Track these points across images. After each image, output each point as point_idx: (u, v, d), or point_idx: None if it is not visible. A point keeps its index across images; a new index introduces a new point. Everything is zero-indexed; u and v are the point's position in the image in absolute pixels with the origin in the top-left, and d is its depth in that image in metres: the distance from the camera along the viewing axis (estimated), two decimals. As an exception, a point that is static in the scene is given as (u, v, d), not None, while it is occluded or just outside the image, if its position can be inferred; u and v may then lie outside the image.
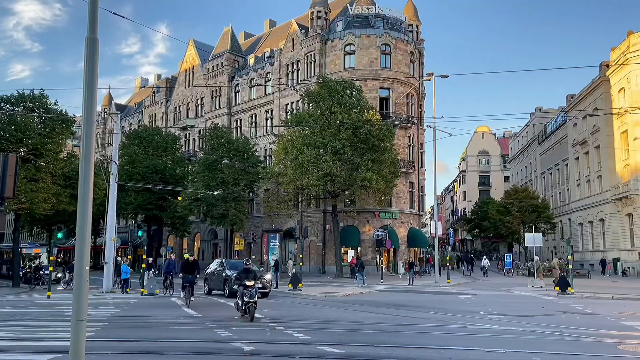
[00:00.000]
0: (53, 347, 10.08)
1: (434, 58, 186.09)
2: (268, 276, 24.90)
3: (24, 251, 41.41)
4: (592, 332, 12.62)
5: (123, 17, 13.41)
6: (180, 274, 20.35)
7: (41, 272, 33.80)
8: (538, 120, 71.17)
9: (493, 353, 9.80)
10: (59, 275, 31.81)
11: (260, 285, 16.78)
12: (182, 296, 19.86)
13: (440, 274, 33.36)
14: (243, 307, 14.38)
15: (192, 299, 18.62)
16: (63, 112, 35.15)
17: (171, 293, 24.00)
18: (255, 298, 14.13)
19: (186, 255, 22.06)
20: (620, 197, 44.77)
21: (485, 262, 44.40)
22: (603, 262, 44.79)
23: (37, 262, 37.65)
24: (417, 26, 50.79)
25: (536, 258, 36.83)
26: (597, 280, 36.66)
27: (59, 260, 55.25)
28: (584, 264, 50.02)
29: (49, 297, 23.51)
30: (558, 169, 63.34)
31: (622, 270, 43.40)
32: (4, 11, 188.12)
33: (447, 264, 37.12)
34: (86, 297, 6.59)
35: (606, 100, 47.58)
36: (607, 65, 47.56)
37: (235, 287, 16.54)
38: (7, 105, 33.23)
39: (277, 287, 27.46)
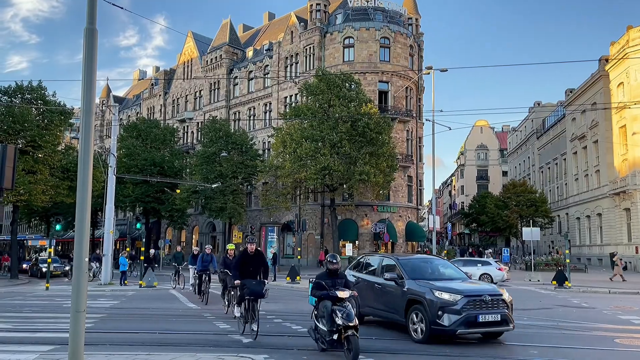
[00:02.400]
0: (52, 339, 10.10)
1: (433, 51, 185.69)
2: None
3: (30, 243, 41.22)
4: (589, 326, 12.69)
5: (122, 8, 13.34)
6: (226, 278, 14.35)
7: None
8: (537, 115, 71.16)
9: (490, 346, 9.85)
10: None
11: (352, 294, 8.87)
12: (234, 314, 12.08)
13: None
14: (336, 336, 8.27)
15: (254, 327, 10.11)
16: (61, 104, 35.06)
17: (206, 300, 17.33)
18: (355, 320, 8.16)
19: (231, 246, 15.78)
20: (618, 191, 44.87)
21: (488, 257, 39.70)
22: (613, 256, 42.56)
23: (43, 254, 37.51)
24: (416, 19, 50.65)
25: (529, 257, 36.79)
26: (600, 275, 36.75)
27: (62, 252, 55.32)
28: (581, 258, 50.19)
29: (47, 288, 23.55)
30: (556, 164, 63.42)
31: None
32: (1, 2, 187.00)
33: (445, 258, 37.13)
34: (85, 288, 6.60)
35: (605, 95, 47.57)
36: (607, 60, 47.49)
37: (314, 300, 9.18)
38: (5, 97, 33.13)
39: (275, 280, 27.51)
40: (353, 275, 12.09)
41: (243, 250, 11.20)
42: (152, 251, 29.27)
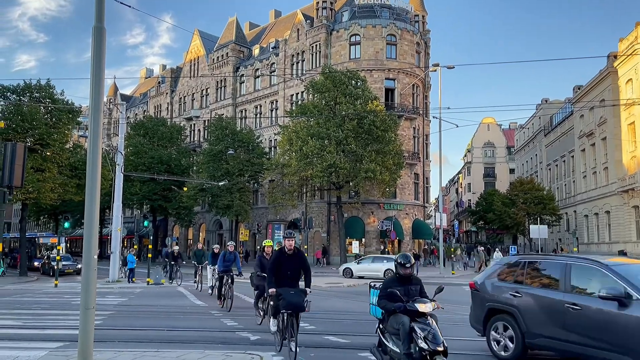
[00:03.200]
0: (61, 335, 10.17)
1: (439, 48, 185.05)
2: None
3: (41, 240, 41.35)
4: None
5: (130, 7, 13.39)
6: (261, 283, 11.32)
7: (62, 262, 32.90)
8: (544, 112, 70.73)
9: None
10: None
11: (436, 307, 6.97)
12: (270, 327, 9.67)
13: (444, 265, 33.37)
14: None
15: (292, 347, 8.06)
16: (69, 102, 35.26)
17: (229, 306, 14.48)
18: (443, 344, 6.33)
19: (268, 242, 12.62)
20: (626, 189, 44.55)
21: (498, 254, 37.45)
22: (623, 255, 42.54)
23: (54, 251, 37.26)
24: (423, 16, 50.45)
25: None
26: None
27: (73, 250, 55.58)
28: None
29: (56, 285, 23.72)
30: (564, 161, 63.04)
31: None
32: (9, 2, 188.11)
33: (452, 256, 36.98)
34: (94, 285, 6.64)
35: (614, 92, 47.19)
36: (615, 56, 47.11)
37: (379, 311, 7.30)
38: (14, 96, 33.36)
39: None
40: (511, 290, 8.35)
41: (279, 249, 8.99)
42: (175, 248, 27.09)
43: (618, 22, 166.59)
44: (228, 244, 16.55)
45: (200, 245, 24.34)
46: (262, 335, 10.39)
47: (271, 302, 9.39)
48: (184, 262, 25.80)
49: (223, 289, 15.13)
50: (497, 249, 42.32)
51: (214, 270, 17.79)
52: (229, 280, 14.90)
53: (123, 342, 9.54)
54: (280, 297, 8.26)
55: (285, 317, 8.23)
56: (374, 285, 7.59)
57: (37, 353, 8.15)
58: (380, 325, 7.24)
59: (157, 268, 28.57)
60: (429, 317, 6.55)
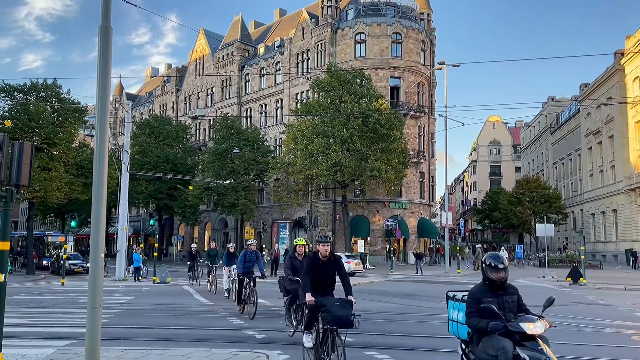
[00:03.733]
0: (68, 334, 10.23)
1: (445, 46, 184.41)
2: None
3: (50, 239, 41.44)
4: (605, 323, 12.55)
5: (135, 6, 13.42)
6: (294, 288, 10.04)
7: (71, 261, 31.95)
8: (550, 110, 70.38)
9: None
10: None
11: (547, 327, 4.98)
12: (303, 343, 7.80)
13: (450, 264, 33.31)
14: None
15: None
16: (75, 101, 35.40)
17: (252, 313, 12.55)
18: None
19: (300, 241, 10.57)
20: (633, 187, 44.30)
21: (503, 254, 39.48)
22: (634, 254, 40.36)
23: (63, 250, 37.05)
24: (428, 14, 50.29)
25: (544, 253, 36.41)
26: (616, 271, 36.32)
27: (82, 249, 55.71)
28: (596, 255, 49.68)
29: (63, 284, 23.84)
30: (570, 159, 62.74)
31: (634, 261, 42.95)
32: (15, 1, 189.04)
33: (458, 254, 36.89)
34: (101, 284, 6.67)
35: (621, 89, 46.89)
36: (622, 54, 46.82)
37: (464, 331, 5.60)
38: (21, 95, 33.51)
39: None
40: None
41: (313, 253, 7.67)
42: (193, 246, 25.07)
43: (625, 19, 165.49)
44: (250, 242, 14.18)
45: (213, 245, 22.79)
46: (268, 334, 10.41)
47: (306, 311, 7.97)
48: (202, 260, 23.36)
49: (244, 293, 13.18)
50: (502, 248, 41.98)
51: (229, 271, 16.76)
52: (251, 284, 12.93)
53: (130, 341, 9.58)
54: (323, 308, 6.84)
55: (325, 333, 6.84)
56: (454, 295, 5.91)
57: (45, 351, 8.19)
58: (465, 349, 5.51)
59: (163, 267, 28.60)
60: (539, 340, 4.91)
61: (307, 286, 7.23)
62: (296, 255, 10.48)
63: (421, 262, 32.38)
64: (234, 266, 15.81)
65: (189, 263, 24.01)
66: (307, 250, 10.88)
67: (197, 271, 23.43)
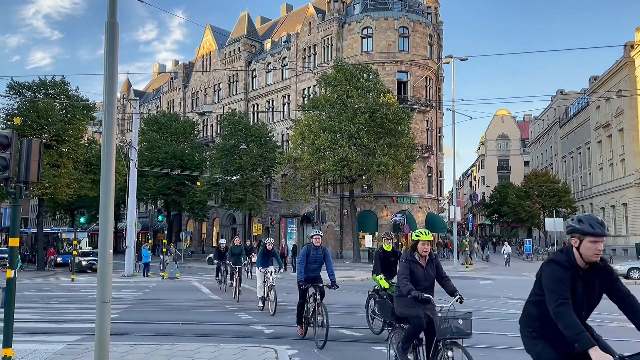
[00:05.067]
0: (78, 329, 10.31)
1: (453, 40, 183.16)
2: None
3: (64, 235, 41.57)
4: (615, 317, 12.45)
5: (142, 2, 13.43)
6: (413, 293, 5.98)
7: (88, 258, 31.62)
8: (559, 103, 69.82)
9: (515, 337, 9.72)
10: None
11: None
12: None
13: (458, 259, 33.22)
14: None
15: None
16: (84, 98, 35.60)
17: (321, 345, 8.69)
18: None
19: (425, 236, 6.24)
20: (644, 181, 43.90)
21: (506, 248, 38.06)
22: None
23: (79, 247, 36.58)
24: (435, 8, 49.96)
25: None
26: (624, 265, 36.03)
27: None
28: (606, 249, 49.33)
29: (73, 280, 24.04)
30: (580, 153, 62.24)
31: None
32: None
33: (466, 249, 36.79)
34: (110, 279, 6.70)
35: (631, 82, 46.39)
36: (632, 46, 46.29)
37: None
38: (29, 92, 33.74)
39: (295, 271, 27.62)
40: None
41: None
42: (222, 242, 20.53)
43: (635, 11, 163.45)
44: (314, 233, 10.07)
45: (237, 241, 18.16)
46: (277, 329, 10.44)
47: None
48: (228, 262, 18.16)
49: (306, 309, 9.66)
50: (505, 243, 41.49)
51: (265, 274, 13.08)
52: (317, 295, 9.32)
53: (139, 336, 9.64)
54: (445, 321, 5.43)
55: (436, 347, 5.66)
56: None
57: (55, 346, 8.26)
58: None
59: (172, 263, 28.73)
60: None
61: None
62: (417, 257, 6.22)
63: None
64: (271, 268, 13.14)
65: (216, 262, 19.74)
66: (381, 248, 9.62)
67: (227, 273, 18.46)
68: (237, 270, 16.35)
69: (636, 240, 44.97)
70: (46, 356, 7.49)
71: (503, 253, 38.20)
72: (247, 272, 23.15)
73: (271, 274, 12.99)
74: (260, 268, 13.29)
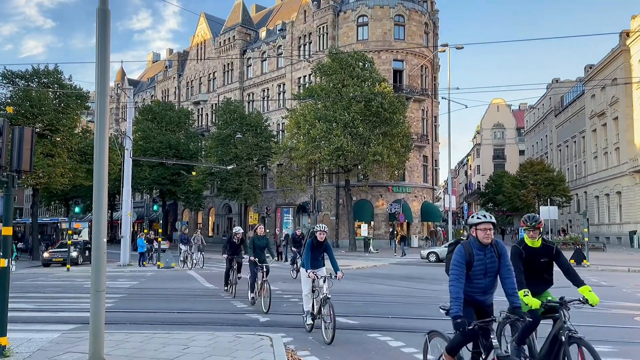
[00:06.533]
0: (73, 318, 10.32)
1: (448, 28, 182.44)
2: None
3: (63, 225, 41.22)
4: (608, 304, 12.56)
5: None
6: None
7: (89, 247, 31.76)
8: (555, 92, 69.85)
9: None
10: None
11: None
12: None
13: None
14: None
15: None
16: (77, 87, 35.33)
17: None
18: None
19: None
20: (638, 169, 44.11)
21: None
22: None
23: (78, 237, 36.00)
24: (431, -4, 49.71)
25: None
26: (619, 253, 36.33)
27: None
28: (600, 237, 49.67)
29: (68, 270, 24.01)
30: (575, 142, 62.42)
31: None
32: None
33: (462, 238, 36.86)
34: (104, 268, 6.69)
35: (626, 70, 46.43)
36: (628, 34, 46.26)
37: None
38: (22, 81, 33.43)
39: (286, 260, 27.67)
40: None
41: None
42: (237, 230, 14.55)
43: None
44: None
45: (260, 230, 13.04)
46: (272, 317, 10.47)
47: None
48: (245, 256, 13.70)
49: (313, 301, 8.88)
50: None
51: (317, 279, 8.87)
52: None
53: (134, 324, 9.65)
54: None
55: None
56: None
57: (50, 335, 8.25)
58: None
59: (167, 252, 28.73)
60: None
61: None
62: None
63: (404, 245, 32.45)
64: (322, 269, 9.10)
65: (228, 258, 14.26)
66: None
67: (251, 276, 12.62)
68: (262, 269, 11.70)
69: (630, 229, 45.32)
70: (41, 345, 7.49)
71: None
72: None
73: (324, 281, 8.62)
74: (309, 271, 8.93)
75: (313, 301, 9.01)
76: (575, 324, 9.80)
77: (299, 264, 13.59)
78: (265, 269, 11.65)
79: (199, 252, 24.87)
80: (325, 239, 9.20)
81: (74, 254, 26.97)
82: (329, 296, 8.48)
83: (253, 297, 12.01)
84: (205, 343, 7.66)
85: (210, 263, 26.36)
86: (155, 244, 27.08)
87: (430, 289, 15.74)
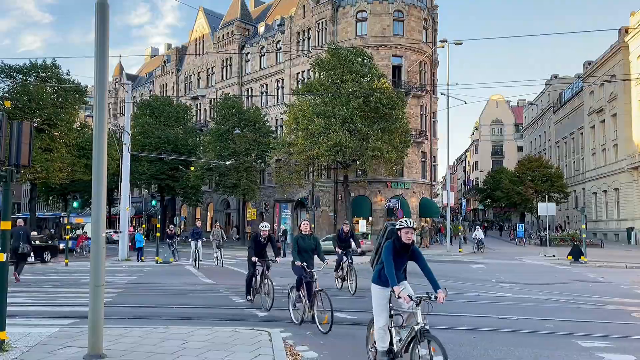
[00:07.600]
0: (72, 312, 10.32)
1: (447, 24, 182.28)
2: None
3: (66, 220, 40.92)
4: (606, 300, 12.62)
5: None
6: None
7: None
8: (554, 88, 69.87)
9: (506, 320, 9.85)
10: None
11: None
12: None
13: (451, 243, 33.43)
14: None
15: None
16: (76, 82, 35.26)
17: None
18: None
19: None
20: (636, 166, 44.19)
21: (478, 233, 36.17)
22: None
23: (81, 231, 35.49)
24: (430, -9, 49.55)
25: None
26: (617, 250, 36.46)
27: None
28: (597, 234, 49.82)
29: (66, 264, 24.01)
30: (573, 138, 62.49)
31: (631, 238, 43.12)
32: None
33: (460, 234, 36.97)
34: (103, 263, 6.69)
35: (625, 67, 46.44)
36: (627, 31, 46.25)
37: None
38: (20, 76, 33.35)
39: (284, 256, 27.65)
40: None
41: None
42: (264, 227, 11.82)
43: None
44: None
45: (305, 226, 10.83)
46: (271, 312, 10.49)
47: None
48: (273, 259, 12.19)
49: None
50: (477, 227, 39.41)
51: (410, 299, 5.78)
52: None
53: (133, 319, 9.66)
54: None
55: None
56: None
57: (49, 330, 8.26)
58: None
59: (164, 247, 28.73)
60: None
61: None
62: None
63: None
64: (407, 286, 6.47)
65: (254, 261, 11.65)
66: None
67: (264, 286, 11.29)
68: (313, 280, 9.61)
69: (627, 225, 45.47)
70: (40, 339, 7.49)
71: (474, 238, 36.44)
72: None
73: (419, 304, 5.84)
74: (396, 288, 5.86)
75: (391, 333, 6.11)
76: (572, 319, 9.88)
77: (345, 270, 12.77)
78: (316, 282, 9.59)
79: (219, 249, 22.05)
80: (413, 241, 6.28)
81: None
82: (428, 327, 5.58)
83: (304, 310, 9.68)
84: (204, 338, 7.67)
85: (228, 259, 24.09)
86: (216, 238, 23.15)
87: (428, 285, 15.74)
